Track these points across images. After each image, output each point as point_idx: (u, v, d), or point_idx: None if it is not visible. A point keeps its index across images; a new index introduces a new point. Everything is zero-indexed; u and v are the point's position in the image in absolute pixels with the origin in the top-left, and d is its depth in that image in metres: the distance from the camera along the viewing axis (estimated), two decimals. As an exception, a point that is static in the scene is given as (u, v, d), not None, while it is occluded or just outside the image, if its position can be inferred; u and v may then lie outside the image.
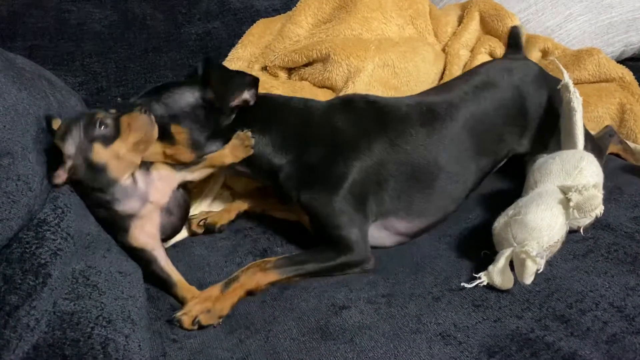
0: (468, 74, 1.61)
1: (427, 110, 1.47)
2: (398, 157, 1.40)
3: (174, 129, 1.37)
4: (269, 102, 1.47)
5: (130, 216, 1.30)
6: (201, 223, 1.52)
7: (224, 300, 1.22)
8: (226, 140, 1.42)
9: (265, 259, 1.32)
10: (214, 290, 1.24)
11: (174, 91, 1.39)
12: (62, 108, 1.38)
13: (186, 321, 1.19)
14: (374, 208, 1.39)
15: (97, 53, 1.87)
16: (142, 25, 1.94)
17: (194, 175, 1.43)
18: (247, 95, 1.40)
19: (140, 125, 1.27)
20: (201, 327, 1.18)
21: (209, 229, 1.52)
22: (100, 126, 1.25)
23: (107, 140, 1.25)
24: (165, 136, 1.36)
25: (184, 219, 1.46)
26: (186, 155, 1.40)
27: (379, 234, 1.43)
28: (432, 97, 1.52)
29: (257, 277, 1.27)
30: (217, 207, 1.63)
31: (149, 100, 1.37)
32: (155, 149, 1.36)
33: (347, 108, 1.47)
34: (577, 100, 1.44)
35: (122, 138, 1.26)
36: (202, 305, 1.21)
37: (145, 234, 1.31)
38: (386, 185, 1.39)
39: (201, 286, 1.30)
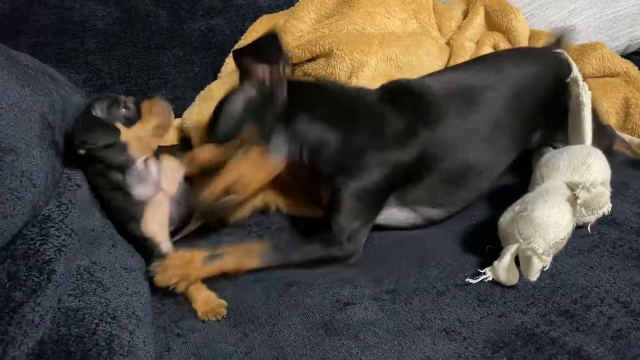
0: (519, 60, 1.56)
1: (472, 101, 1.43)
2: (437, 153, 1.38)
3: (246, 134, 1.36)
4: (322, 88, 1.46)
5: (144, 203, 1.32)
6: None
7: (202, 273, 1.23)
8: (285, 123, 1.38)
9: (254, 245, 1.30)
10: (196, 258, 1.24)
11: (228, 108, 1.38)
12: (66, 105, 1.38)
13: (161, 282, 1.20)
14: (394, 200, 1.40)
15: (100, 50, 1.87)
16: (145, 22, 1.94)
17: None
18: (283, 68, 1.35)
19: (161, 110, 1.35)
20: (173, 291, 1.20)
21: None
22: (123, 108, 1.32)
23: (129, 122, 1.31)
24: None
25: (192, 212, 1.46)
26: (263, 150, 1.37)
27: (399, 215, 1.44)
28: (472, 79, 1.47)
29: (242, 261, 1.27)
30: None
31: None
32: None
33: (395, 99, 1.43)
34: (586, 94, 1.42)
35: (144, 120, 1.33)
36: (181, 270, 1.21)
37: (157, 223, 1.33)
38: (418, 181, 1.39)
39: (204, 281, 1.30)
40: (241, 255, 1.28)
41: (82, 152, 1.25)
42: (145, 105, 1.35)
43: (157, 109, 1.34)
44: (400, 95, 1.44)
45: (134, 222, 1.33)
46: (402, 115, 1.40)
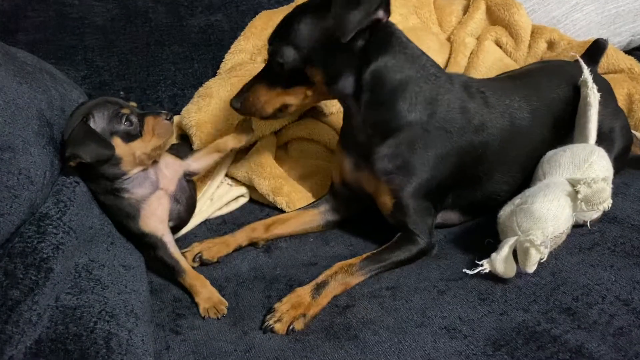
0: (552, 76, 1.55)
1: (519, 110, 1.42)
2: (493, 157, 1.38)
3: (310, 71, 1.28)
4: (407, 45, 1.33)
5: (141, 202, 1.32)
6: (197, 259, 1.39)
7: (316, 306, 1.19)
8: (357, 71, 1.28)
9: (348, 261, 1.27)
10: (304, 296, 1.19)
11: (299, 27, 1.26)
12: (65, 101, 1.37)
13: (281, 329, 1.14)
14: (450, 202, 1.40)
15: (99, 47, 1.86)
16: (144, 19, 1.93)
17: (199, 163, 1.45)
18: (380, 14, 1.24)
19: (164, 132, 1.31)
20: (294, 331, 1.15)
21: (206, 263, 1.40)
22: (125, 122, 1.27)
23: (129, 138, 1.27)
24: (303, 81, 1.30)
25: (190, 208, 1.47)
26: (323, 92, 1.33)
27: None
28: (522, 96, 1.44)
29: (346, 281, 1.24)
30: (220, 195, 1.63)
31: (279, 45, 1.27)
32: (298, 95, 1.32)
33: (470, 95, 1.37)
34: (594, 95, 1.43)
35: (144, 140, 1.29)
36: (295, 311, 1.17)
37: (156, 218, 1.33)
38: (473, 183, 1.39)
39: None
40: (343, 276, 1.25)
41: (72, 164, 1.23)
42: (149, 122, 1.30)
43: (160, 130, 1.30)
44: (473, 93, 1.39)
45: (131, 220, 1.32)
46: (474, 113, 1.36)
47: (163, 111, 1.33)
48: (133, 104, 1.34)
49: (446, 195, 1.38)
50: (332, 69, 1.28)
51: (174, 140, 1.40)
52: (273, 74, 1.32)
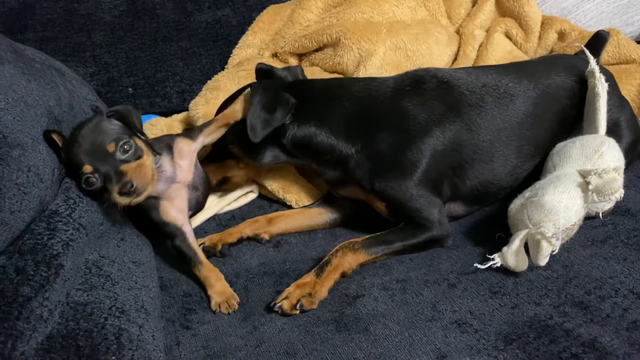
0: (549, 64, 1.56)
1: (504, 94, 1.42)
2: (473, 142, 1.37)
3: (231, 149, 1.48)
4: (322, 90, 1.45)
5: (158, 196, 1.32)
6: (200, 247, 1.39)
7: (321, 285, 1.21)
8: (278, 143, 1.42)
9: (352, 240, 1.30)
10: (309, 276, 1.23)
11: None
12: (73, 98, 1.37)
13: (287, 305, 1.17)
14: (449, 192, 1.39)
15: (107, 43, 1.87)
16: (151, 15, 1.93)
17: (211, 138, 1.44)
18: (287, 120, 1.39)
19: (126, 196, 1.18)
20: (303, 311, 1.17)
21: (209, 252, 1.40)
22: (84, 183, 1.20)
23: (93, 193, 1.22)
24: (230, 156, 1.50)
25: (207, 191, 1.48)
26: (253, 164, 1.51)
27: None
28: (510, 78, 1.46)
29: (348, 258, 1.26)
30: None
31: None
32: (232, 168, 1.53)
33: (417, 90, 1.41)
34: (602, 86, 1.41)
35: (108, 195, 1.20)
36: (301, 290, 1.19)
37: (176, 208, 1.34)
38: (460, 170, 1.38)
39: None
40: (345, 252, 1.27)
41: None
42: (110, 188, 1.18)
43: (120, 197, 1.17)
44: (425, 84, 1.42)
45: (151, 210, 1.33)
46: (428, 106, 1.38)
47: (130, 164, 1.19)
48: (116, 121, 1.25)
49: (441, 184, 1.37)
50: (249, 146, 1.41)
51: (180, 130, 1.43)
52: (213, 154, 1.55)
